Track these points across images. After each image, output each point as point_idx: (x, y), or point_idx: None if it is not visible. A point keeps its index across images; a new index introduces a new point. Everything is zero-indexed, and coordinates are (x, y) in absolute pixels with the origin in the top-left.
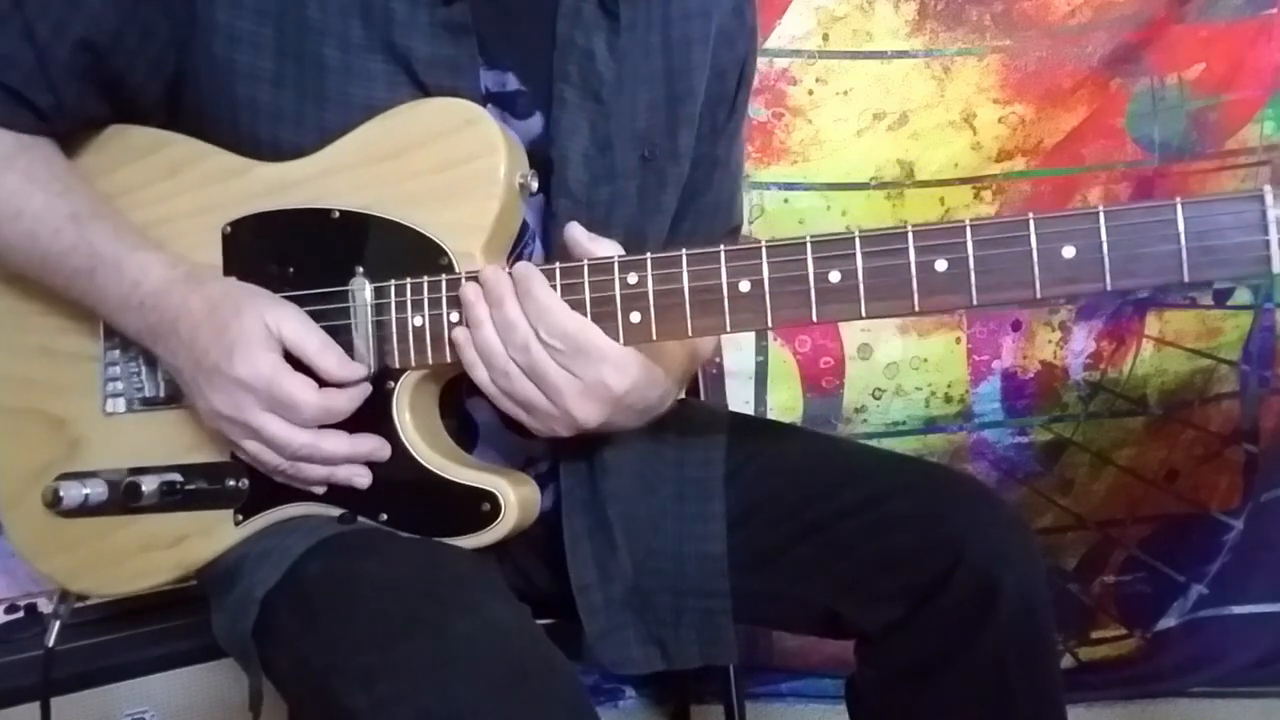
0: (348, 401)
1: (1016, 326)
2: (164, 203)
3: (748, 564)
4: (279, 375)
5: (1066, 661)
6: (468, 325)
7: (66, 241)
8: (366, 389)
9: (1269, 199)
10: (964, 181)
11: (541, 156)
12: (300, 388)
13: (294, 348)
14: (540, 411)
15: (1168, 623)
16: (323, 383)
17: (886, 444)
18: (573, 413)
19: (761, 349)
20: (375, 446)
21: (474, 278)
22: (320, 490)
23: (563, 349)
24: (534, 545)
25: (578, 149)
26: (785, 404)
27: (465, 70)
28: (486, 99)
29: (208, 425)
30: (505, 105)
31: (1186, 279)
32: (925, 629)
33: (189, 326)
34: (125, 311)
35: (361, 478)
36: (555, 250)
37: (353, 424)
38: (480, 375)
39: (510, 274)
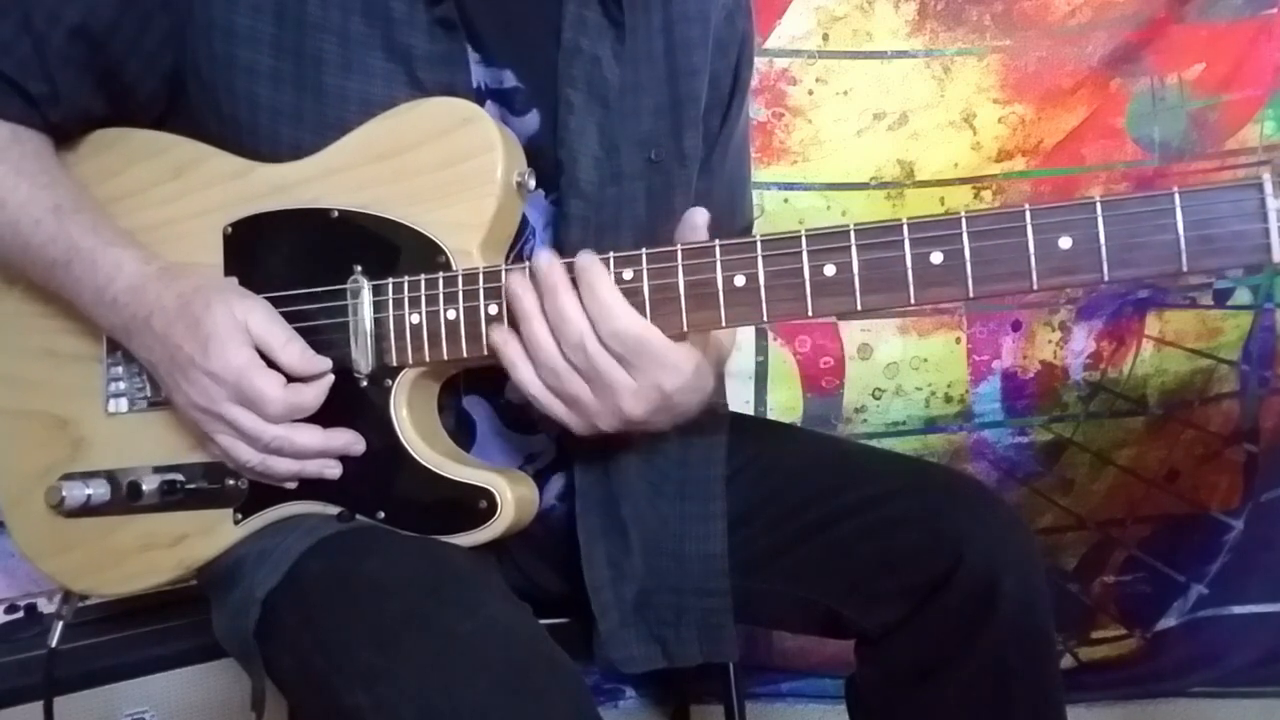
0: (314, 397)
1: (1016, 326)
2: (168, 204)
3: (748, 564)
4: (248, 370)
5: (1066, 661)
6: (514, 319)
7: (45, 233)
8: (330, 380)
9: (1268, 187)
10: (964, 181)
11: (542, 154)
12: (268, 383)
13: (259, 340)
14: (586, 408)
15: (1168, 623)
16: (290, 377)
17: (886, 444)
18: (624, 409)
19: (761, 349)
20: (349, 440)
21: (495, 271)
22: (291, 485)
23: (622, 352)
24: (535, 544)
25: (587, 151)
26: (785, 404)
27: (458, 65)
28: (484, 95)
29: (184, 419)
30: (502, 101)
31: (1185, 268)
32: (925, 629)
33: (163, 322)
34: (99, 306)
35: (331, 470)
36: (567, 250)
37: (351, 422)
38: (524, 374)
39: (574, 263)
